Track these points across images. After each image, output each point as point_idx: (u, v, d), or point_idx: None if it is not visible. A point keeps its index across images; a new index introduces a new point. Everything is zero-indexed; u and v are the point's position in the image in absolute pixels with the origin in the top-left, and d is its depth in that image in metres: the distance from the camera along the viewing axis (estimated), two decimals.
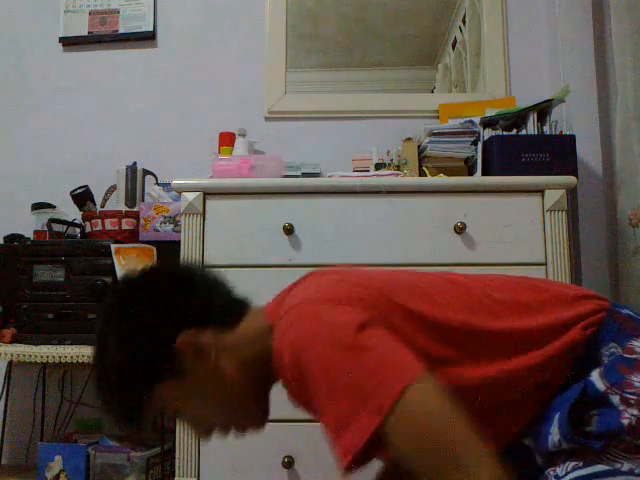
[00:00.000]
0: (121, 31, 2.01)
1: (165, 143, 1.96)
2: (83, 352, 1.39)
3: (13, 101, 2.01)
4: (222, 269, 1.38)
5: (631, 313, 0.70)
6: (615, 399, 0.59)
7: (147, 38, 2.01)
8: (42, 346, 1.43)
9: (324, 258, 1.38)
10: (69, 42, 2.02)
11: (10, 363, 1.67)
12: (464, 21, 1.98)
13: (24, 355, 1.41)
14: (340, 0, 1.99)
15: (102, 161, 1.92)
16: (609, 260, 1.74)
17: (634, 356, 0.62)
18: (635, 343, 0.64)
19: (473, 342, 0.64)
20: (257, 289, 1.46)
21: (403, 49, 1.97)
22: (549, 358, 0.64)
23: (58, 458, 1.48)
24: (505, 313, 0.67)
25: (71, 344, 1.45)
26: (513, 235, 1.37)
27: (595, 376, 0.62)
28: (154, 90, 2.00)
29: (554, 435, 0.61)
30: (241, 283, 1.37)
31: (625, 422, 0.57)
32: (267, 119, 1.96)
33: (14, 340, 1.49)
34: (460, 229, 1.36)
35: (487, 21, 1.96)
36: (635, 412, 0.57)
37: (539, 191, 1.39)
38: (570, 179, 1.39)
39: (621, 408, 0.58)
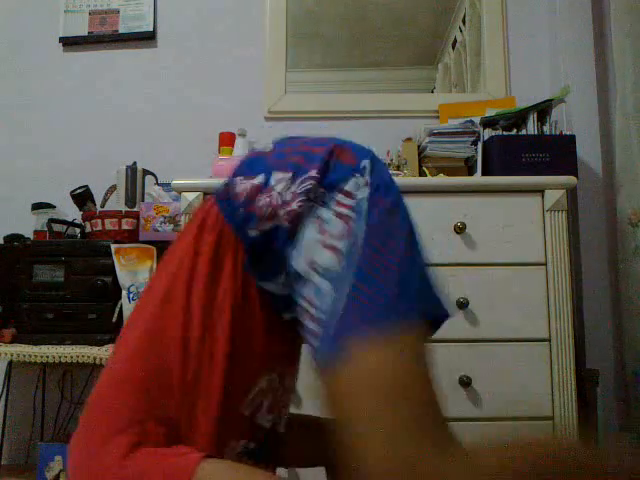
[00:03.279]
0: (121, 31, 2.01)
1: (165, 143, 1.96)
2: (83, 352, 1.39)
3: (13, 101, 2.01)
4: None
5: None
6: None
7: (147, 38, 2.01)
8: (42, 346, 1.43)
9: None
10: (69, 42, 2.02)
11: (10, 363, 1.68)
12: (464, 21, 1.98)
13: (24, 355, 1.41)
14: (340, 0, 1.99)
15: (102, 161, 1.93)
16: (609, 260, 1.74)
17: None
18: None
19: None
20: None
21: (403, 49, 1.97)
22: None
23: (58, 458, 1.48)
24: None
25: (71, 344, 1.44)
26: (513, 235, 1.37)
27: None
28: (154, 90, 2.00)
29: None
30: None
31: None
32: (267, 119, 1.96)
33: (14, 340, 1.49)
34: (460, 229, 1.36)
35: (487, 21, 1.96)
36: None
37: (539, 191, 1.39)
38: (570, 179, 1.39)
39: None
